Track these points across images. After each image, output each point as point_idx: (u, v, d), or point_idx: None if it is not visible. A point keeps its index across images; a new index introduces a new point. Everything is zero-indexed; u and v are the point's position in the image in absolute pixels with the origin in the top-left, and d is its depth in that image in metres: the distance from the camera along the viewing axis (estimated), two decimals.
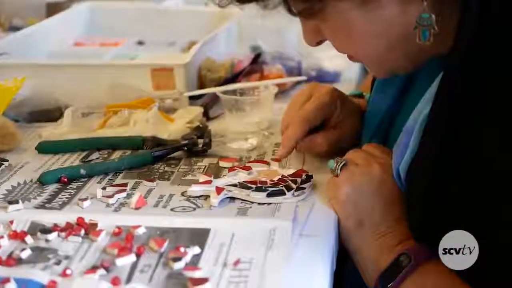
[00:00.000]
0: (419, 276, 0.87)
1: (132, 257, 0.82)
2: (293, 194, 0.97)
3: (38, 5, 1.97)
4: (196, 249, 0.83)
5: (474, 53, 0.83)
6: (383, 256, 0.91)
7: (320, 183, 1.01)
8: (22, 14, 1.93)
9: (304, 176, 1.01)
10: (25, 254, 0.82)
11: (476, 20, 0.83)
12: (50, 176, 1.03)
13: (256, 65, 1.49)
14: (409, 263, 0.87)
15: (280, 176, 1.01)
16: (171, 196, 0.99)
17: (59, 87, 1.34)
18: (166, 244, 0.84)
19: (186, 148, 1.14)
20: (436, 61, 0.91)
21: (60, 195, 0.99)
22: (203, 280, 0.76)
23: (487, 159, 0.82)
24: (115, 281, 0.77)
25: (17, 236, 0.86)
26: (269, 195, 0.96)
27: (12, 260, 0.81)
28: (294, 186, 0.98)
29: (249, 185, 0.98)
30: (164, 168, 1.09)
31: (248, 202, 0.96)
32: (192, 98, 1.35)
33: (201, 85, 1.43)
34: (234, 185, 0.99)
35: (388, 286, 0.88)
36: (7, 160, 1.10)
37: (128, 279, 0.78)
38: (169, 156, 1.13)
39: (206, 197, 0.98)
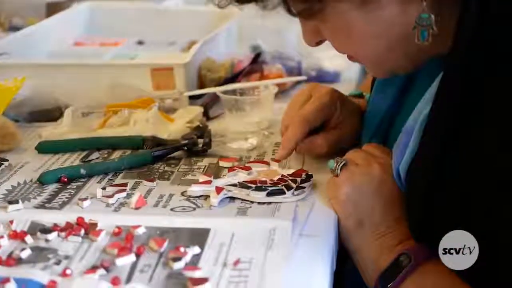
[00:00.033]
0: (419, 276, 0.87)
1: (132, 257, 0.82)
2: (292, 193, 0.97)
3: (38, 5, 1.97)
4: (196, 249, 0.83)
5: (474, 53, 0.83)
6: (383, 256, 0.91)
7: (320, 183, 1.01)
8: (22, 14, 1.93)
9: (304, 176, 1.01)
10: (25, 254, 0.82)
11: (475, 20, 0.83)
12: (50, 176, 1.03)
13: (256, 65, 1.49)
14: (409, 263, 0.87)
15: (280, 176, 1.01)
16: (171, 196, 0.99)
17: (59, 87, 1.34)
18: (166, 244, 0.84)
19: (186, 148, 1.14)
20: (436, 61, 0.91)
21: (60, 195, 0.99)
22: (203, 280, 0.76)
23: (487, 159, 0.82)
24: (115, 281, 0.77)
25: (17, 236, 0.86)
26: (268, 195, 0.96)
27: (12, 260, 0.81)
28: (294, 185, 0.98)
29: (249, 184, 0.98)
30: (164, 168, 1.09)
31: (248, 202, 0.96)
32: (192, 98, 1.35)
33: (201, 85, 1.43)
34: (234, 185, 0.99)
35: (388, 286, 0.88)
36: (7, 160, 1.10)
37: (128, 279, 0.78)
38: (169, 156, 1.13)
39: (206, 197, 0.98)
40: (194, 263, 0.81)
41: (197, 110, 1.29)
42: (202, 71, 1.45)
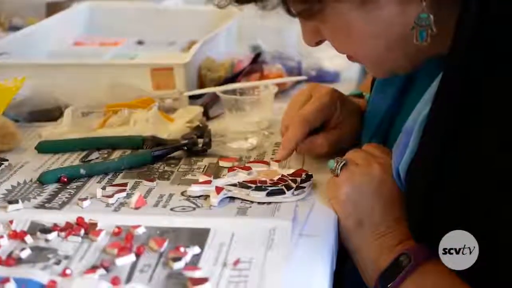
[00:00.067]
0: (419, 276, 0.87)
1: (132, 257, 0.82)
2: (292, 193, 0.97)
3: (38, 5, 1.97)
4: (196, 249, 0.83)
5: (473, 53, 0.83)
6: (383, 256, 0.91)
7: (320, 183, 1.01)
8: (22, 13, 1.93)
9: (304, 176, 1.01)
10: (25, 254, 0.82)
11: (474, 20, 0.83)
12: (49, 176, 1.03)
13: (256, 64, 1.49)
14: (409, 263, 0.87)
15: (280, 176, 1.01)
16: (171, 195, 0.99)
17: (59, 86, 1.34)
18: (166, 244, 0.84)
19: (186, 148, 1.14)
20: (436, 61, 0.91)
21: (60, 195, 0.99)
22: (203, 280, 0.76)
23: (486, 159, 0.82)
24: (115, 281, 0.77)
25: (16, 235, 0.86)
26: (268, 194, 0.96)
27: (12, 260, 0.81)
28: (293, 185, 0.98)
29: (249, 184, 0.98)
30: (164, 167, 1.09)
31: (248, 202, 0.96)
32: (192, 98, 1.35)
33: (201, 85, 1.43)
34: (234, 185, 0.99)
35: (388, 286, 0.88)
36: (7, 160, 1.10)
37: (128, 279, 0.78)
38: (169, 155, 1.13)
39: (206, 196, 0.98)
40: (194, 263, 0.81)
41: (197, 110, 1.29)
42: (202, 71, 1.45)
